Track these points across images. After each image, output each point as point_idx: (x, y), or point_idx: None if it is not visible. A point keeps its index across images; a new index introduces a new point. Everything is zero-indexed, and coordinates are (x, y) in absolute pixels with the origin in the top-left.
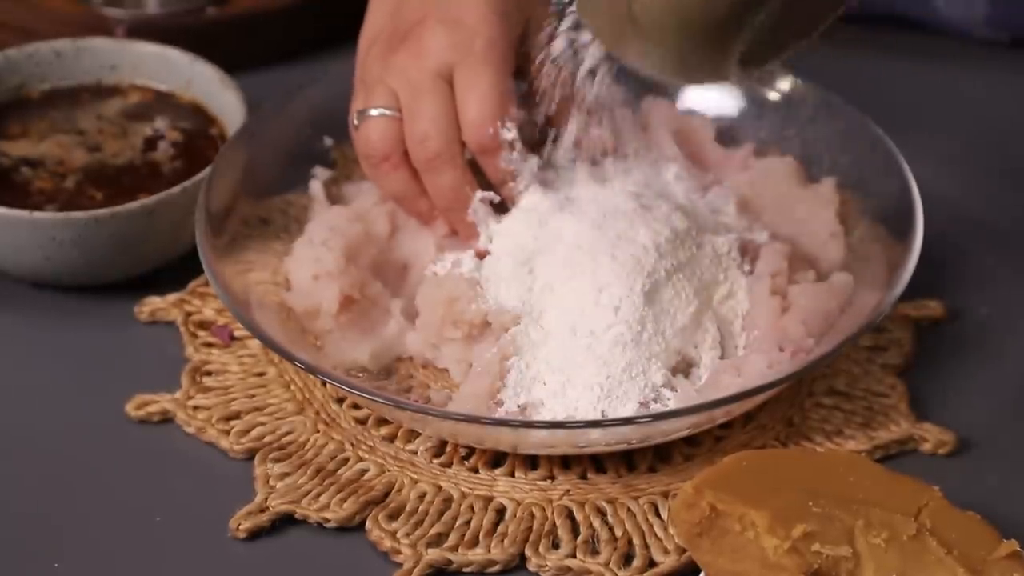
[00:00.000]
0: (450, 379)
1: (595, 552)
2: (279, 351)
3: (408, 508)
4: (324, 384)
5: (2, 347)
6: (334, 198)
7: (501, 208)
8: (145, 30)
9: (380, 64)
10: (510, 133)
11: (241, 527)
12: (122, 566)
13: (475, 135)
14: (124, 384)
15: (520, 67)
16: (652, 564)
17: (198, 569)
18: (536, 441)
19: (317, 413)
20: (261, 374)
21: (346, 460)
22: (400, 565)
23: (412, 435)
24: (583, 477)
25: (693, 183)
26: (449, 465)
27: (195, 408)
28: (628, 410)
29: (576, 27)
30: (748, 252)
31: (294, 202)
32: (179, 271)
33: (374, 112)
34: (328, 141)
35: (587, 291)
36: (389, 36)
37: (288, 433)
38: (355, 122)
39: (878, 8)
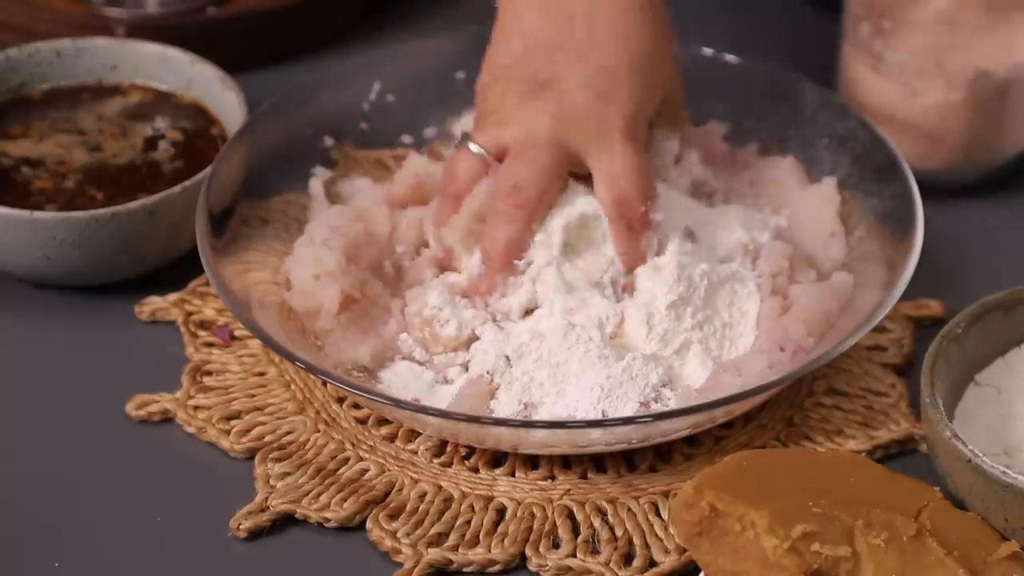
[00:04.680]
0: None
1: (595, 552)
2: (279, 351)
3: (408, 508)
4: (324, 384)
5: (2, 347)
6: (334, 198)
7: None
8: (145, 30)
9: (514, 100)
10: (658, 215)
11: (241, 527)
12: (122, 566)
13: (626, 210)
14: (124, 384)
15: None
16: (652, 564)
17: (198, 569)
18: (536, 441)
19: (317, 413)
20: (261, 374)
21: (346, 460)
22: (400, 565)
23: (412, 435)
24: (583, 477)
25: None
26: (449, 465)
27: (195, 408)
28: (628, 410)
29: None
30: (748, 252)
31: (294, 202)
32: (179, 271)
33: (474, 149)
34: (328, 141)
35: (587, 290)
36: (525, 79)
37: (288, 433)
38: (457, 142)
39: None
